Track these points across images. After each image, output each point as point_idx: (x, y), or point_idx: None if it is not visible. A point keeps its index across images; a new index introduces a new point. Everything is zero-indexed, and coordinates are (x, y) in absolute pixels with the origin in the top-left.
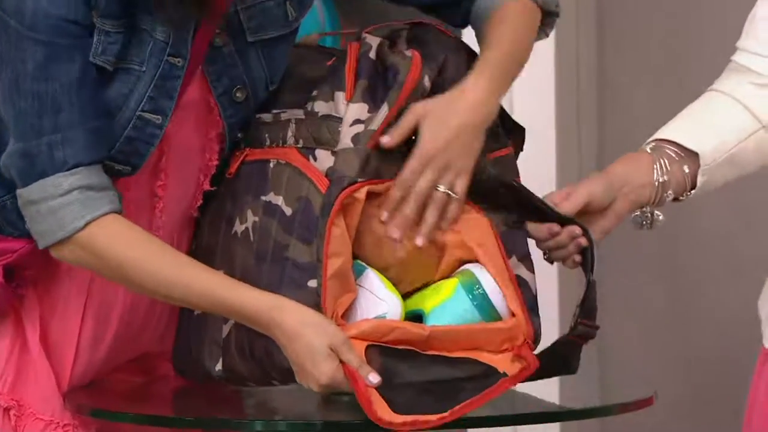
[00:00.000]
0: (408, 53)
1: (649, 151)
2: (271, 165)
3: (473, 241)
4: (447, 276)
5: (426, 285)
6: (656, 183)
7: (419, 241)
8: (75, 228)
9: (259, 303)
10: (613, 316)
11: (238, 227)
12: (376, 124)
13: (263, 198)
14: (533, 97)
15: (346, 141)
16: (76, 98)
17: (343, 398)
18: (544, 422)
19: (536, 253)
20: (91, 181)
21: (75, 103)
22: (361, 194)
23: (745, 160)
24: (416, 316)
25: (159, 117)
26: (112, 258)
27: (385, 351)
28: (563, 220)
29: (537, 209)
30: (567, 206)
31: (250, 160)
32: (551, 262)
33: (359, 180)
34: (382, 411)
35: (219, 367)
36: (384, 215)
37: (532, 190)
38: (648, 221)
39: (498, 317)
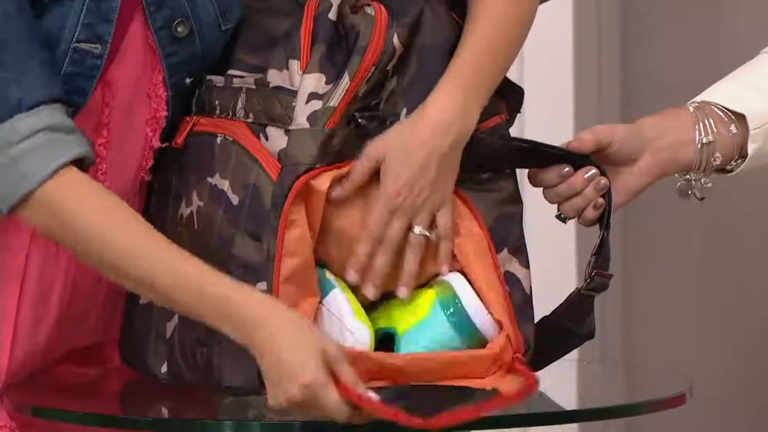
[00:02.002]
0: (371, 11)
1: (691, 110)
2: (218, 141)
3: (456, 239)
4: (425, 283)
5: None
6: (699, 144)
7: (401, 293)
8: (42, 177)
9: (249, 299)
10: (641, 303)
11: (184, 209)
12: (335, 99)
13: (209, 180)
14: (547, 35)
15: (301, 120)
16: (20, 30)
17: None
18: (559, 423)
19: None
20: (56, 121)
21: (19, 34)
22: (323, 183)
23: None
24: (387, 335)
25: (98, 46)
26: (79, 221)
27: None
28: (576, 160)
29: (544, 156)
30: (581, 144)
31: (199, 131)
32: (564, 221)
33: (318, 166)
34: (408, 416)
35: (164, 369)
36: (351, 274)
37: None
38: (695, 191)
39: (479, 336)
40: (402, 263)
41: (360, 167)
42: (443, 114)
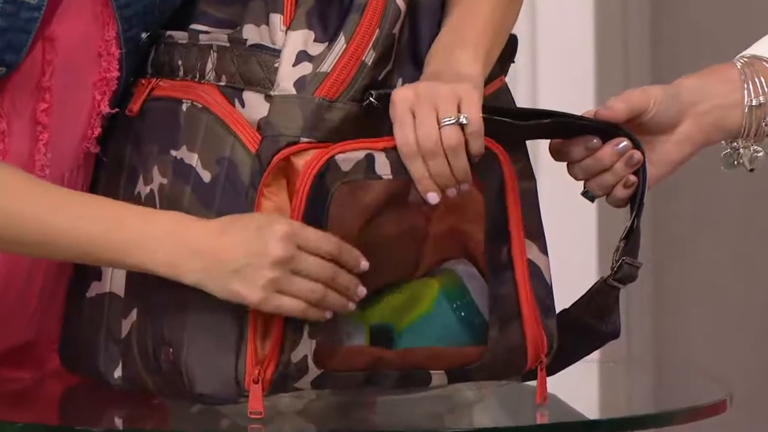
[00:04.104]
0: None
1: (739, 66)
2: (184, 108)
3: (465, 224)
4: (426, 273)
5: (399, 281)
6: (747, 106)
7: (465, 187)
8: None
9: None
10: (672, 296)
11: (142, 188)
12: (329, 64)
13: (173, 153)
14: None
15: (286, 85)
16: None
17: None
18: None
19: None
20: None
21: None
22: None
23: None
24: (384, 331)
25: None
26: None
27: None
28: (605, 131)
29: (568, 128)
30: (611, 113)
31: (158, 96)
32: (591, 199)
33: (304, 140)
34: None
35: (118, 373)
36: (432, 198)
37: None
38: (744, 160)
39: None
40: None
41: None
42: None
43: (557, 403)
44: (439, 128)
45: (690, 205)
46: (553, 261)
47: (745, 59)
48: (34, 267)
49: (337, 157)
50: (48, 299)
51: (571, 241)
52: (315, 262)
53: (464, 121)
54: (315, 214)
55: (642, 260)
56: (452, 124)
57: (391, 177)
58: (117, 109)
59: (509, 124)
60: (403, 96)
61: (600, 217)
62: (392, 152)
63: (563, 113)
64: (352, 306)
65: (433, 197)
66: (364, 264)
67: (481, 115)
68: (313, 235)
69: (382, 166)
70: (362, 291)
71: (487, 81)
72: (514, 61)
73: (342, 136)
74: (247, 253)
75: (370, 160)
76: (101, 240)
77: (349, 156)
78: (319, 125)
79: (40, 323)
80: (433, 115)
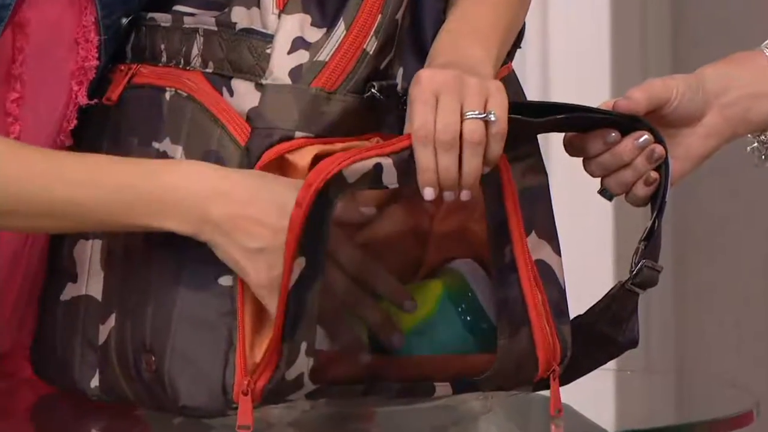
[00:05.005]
0: None
1: (767, 54)
2: (167, 96)
3: (471, 222)
4: (429, 274)
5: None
6: None
7: (465, 195)
8: None
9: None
10: (694, 301)
11: None
12: (326, 53)
13: (155, 145)
14: None
15: (280, 74)
16: None
17: None
18: None
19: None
20: None
21: None
22: (304, 159)
23: None
24: None
25: None
26: None
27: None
28: (625, 123)
29: (585, 122)
30: (631, 104)
31: (139, 84)
32: (609, 198)
33: (299, 135)
34: None
35: (95, 383)
36: (428, 193)
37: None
38: None
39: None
40: (462, 165)
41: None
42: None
43: (572, 414)
44: (462, 121)
45: (714, 204)
46: (567, 264)
47: None
48: (11, 271)
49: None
50: (25, 304)
51: (586, 244)
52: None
53: (492, 118)
54: (315, 221)
55: (662, 263)
56: (478, 118)
57: (397, 186)
58: (96, 100)
59: (525, 122)
60: (430, 77)
61: (617, 217)
62: (399, 157)
63: (579, 106)
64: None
65: (429, 193)
66: (410, 304)
67: (507, 116)
68: None
69: (389, 175)
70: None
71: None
72: (520, 47)
73: (340, 132)
74: (269, 237)
75: (377, 169)
76: (105, 201)
77: (356, 167)
78: (316, 119)
79: (13, 329)
80: (458, 106)
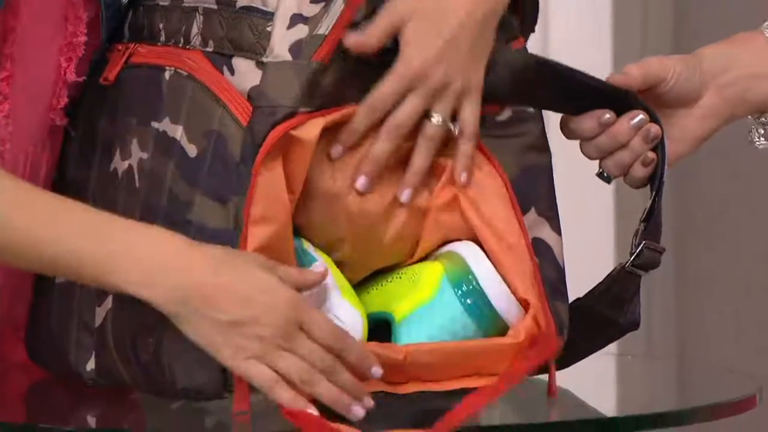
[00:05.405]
0: None
1: (766, 34)
2: (167, 76)
3: (470, 196)
4: (426, 256)
5: (395, 266)
6: None
7: (404, 196)
8: None
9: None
10: (695, 284)
11: (119, 163)
12: (326, 26)
13: (155, 125)
14: None
15: (280, 51)
16: None
17: None
18: None
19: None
20: None
21: None
22: (309, 132)
23: None
24: (381, 321)
25: None
26: None
27: None
28: (620, 100)
29: (580, 89)
30: (627, 79)
31: (137, 63)
32: (608, 180)
33: (302, 110)
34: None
35: (91, 366)
36: (336, 151)
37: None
38: None
39: (500, 322)
40: (410, 160)
41: (379, 21)
42: None
43: (571, 398)
44: (424, 119)
45: (715, 187)
46: (567, 247)
47: None
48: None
49: None
50: (15, 285)
51: (586, 226)
52: (315, 350)
53: (455, 131)
54: None
55: (664, 246)
56: (439, 125)
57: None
58: (83, 78)
59: (519, 68)
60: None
61: (617, 199)
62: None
63: (579, 71)
64: (357, 411)
65: (363, 182)
66: (376, 371)
67: (478, 121)
68: (323, 324)
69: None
70: (369, 402)
71: (508, 37)
72: (534, 31)
73: (335, 101)
74: (240, 309)
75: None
76: (81, 255)
77: None
78: (316, 92)
79: (5, 311)
80: (426, 107)
